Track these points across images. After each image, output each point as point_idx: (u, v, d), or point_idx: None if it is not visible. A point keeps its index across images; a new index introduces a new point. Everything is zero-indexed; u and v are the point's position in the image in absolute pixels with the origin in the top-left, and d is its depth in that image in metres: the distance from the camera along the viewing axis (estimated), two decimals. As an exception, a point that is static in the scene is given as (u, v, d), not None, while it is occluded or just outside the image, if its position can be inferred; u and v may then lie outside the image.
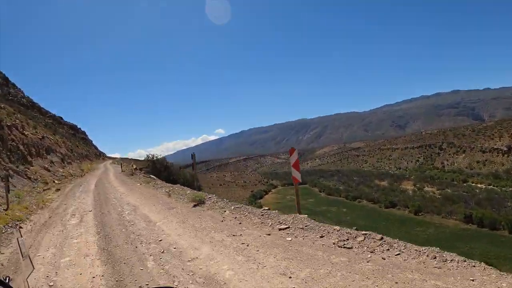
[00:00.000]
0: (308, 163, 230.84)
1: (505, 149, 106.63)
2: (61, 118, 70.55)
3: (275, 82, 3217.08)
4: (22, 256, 2.55)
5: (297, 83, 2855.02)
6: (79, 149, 49.85)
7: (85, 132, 79.20)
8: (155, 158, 25.99)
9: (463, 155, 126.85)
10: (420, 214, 65.03)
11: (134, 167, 27.93)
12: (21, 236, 2.82)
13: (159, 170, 24.32)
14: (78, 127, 76.39)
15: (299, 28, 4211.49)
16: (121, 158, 69.89)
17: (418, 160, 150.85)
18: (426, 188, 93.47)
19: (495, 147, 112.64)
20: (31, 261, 2.63)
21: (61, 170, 28.36)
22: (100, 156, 72.14)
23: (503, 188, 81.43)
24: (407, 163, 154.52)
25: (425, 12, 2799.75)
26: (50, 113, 66.78)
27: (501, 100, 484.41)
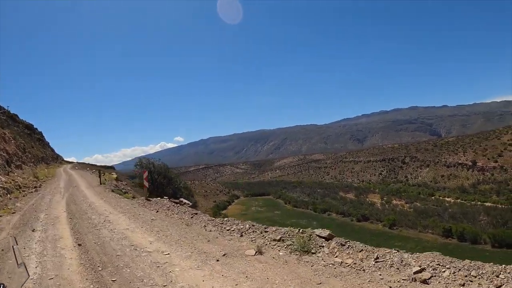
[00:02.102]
0: (268, 174, 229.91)
1: (470, 163, 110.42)
2: (16, 115, 62.42)
3: (235, 92, 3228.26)
4: (17, 263, 2.42)
5: (257, 93, 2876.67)
6: (35, 150, 42.45)
7: (41, 133, 71.67)
8: (151, 164, 18.28)
9: (427, 169, 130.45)
10: (395, 228, 64.07)
11: (116, 176, 19.13)
12: (16, 244, 2.73)
13: (161, 184, 17.27)
14: (35, 127, 68.82)
15: (259, 38, 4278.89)
16: (78, 163, 67.19)
17: (381, 173, 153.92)
18: (394, 202, 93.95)
19: (459, 161, 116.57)
20: (26, 269, 2.44)
21: (3, 179, 18.37)
22: (57, 159, 64.95)
23: (472, 202, 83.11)
24: (370, 176, 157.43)
25: (386, 27, 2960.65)
26: (4, 108, 58.37)
27: (457, 117, 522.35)
